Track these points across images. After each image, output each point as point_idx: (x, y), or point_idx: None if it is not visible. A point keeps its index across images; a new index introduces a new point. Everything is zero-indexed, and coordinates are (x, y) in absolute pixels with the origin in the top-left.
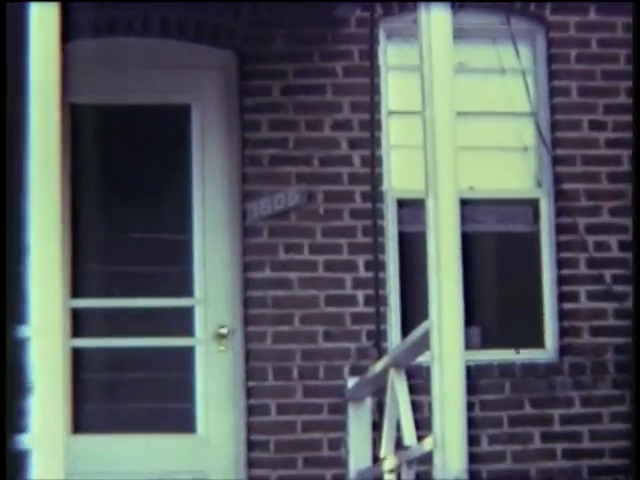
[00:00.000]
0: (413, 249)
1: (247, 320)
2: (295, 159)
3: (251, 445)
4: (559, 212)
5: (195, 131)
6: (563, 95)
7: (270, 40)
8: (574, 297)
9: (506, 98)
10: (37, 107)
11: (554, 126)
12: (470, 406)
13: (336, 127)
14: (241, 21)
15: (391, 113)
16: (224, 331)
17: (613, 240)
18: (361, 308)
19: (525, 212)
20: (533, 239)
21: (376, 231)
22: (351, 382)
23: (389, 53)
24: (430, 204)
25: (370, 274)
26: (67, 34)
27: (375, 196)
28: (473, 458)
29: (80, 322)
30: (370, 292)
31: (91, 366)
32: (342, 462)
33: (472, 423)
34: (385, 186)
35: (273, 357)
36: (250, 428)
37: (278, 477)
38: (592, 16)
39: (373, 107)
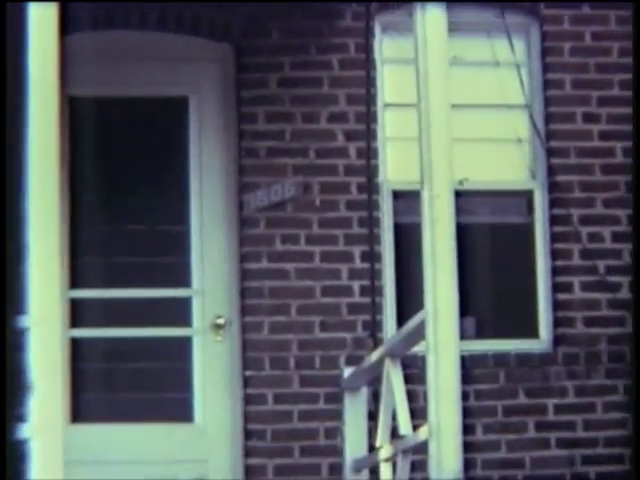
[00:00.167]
0: (408, 240)
1: (244, 310)
2: (292, 151)
3: (248, 434)
4: (553, 203)
5: (192, 123)
6: (557, 88)
7: (267, 33)
8: (568, 288)
9: (500, 91)
10: (36, 99)
11: (548, 118)
12: (465, 396)
13: (332, 119)
14: (238, 14)
15: (387, 105)
16: (221, 321)
17: (607, 231)
18: (357, 298)
19: (519, 203)
20: (527, 230)
21: (372, 222)
22: (347, 372)
23: (385, 46)
24: (425, 195)
25: (366, 265)
26: (66, 27)
27: (371, 187)
28: (468, 447)
29: (79, 312)
30: (366, 283)
31: (90, 356)
32: (338, 451)
33: (467, 412)
34: (381, 178)
35: (270, 347)
36: (247, 417)
37: (274, 466)
38: (586, 9)
39: (369, 99)
